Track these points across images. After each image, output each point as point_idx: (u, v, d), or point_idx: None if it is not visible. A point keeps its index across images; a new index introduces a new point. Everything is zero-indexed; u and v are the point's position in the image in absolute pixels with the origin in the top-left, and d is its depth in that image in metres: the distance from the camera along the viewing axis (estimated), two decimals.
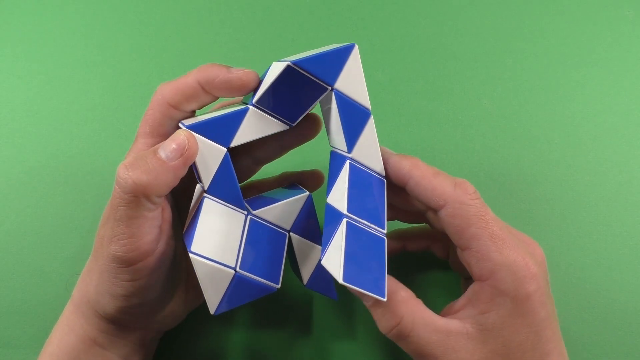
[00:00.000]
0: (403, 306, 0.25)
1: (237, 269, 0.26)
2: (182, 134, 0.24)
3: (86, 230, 0.35)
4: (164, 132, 0.26)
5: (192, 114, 0.27)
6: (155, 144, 0.25)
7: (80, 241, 0.35)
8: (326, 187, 0.28)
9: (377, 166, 0.28)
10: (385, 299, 0.24)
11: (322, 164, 0.34)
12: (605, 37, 0.39)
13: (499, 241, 0.24)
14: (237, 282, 0.26)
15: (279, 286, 0.27)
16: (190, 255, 0.24)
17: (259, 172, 0.32)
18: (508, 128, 0.38)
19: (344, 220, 0.25)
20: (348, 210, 0.25)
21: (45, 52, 0.39)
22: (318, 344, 0.34)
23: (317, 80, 0.25)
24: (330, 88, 0.26)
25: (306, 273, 0.30)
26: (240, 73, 0.25)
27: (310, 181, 0.31)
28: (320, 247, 0.29)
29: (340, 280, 0.23)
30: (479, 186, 0.27)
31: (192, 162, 0.25)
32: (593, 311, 0.34)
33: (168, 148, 0.24)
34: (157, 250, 0.25)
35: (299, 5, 0.41)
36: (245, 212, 0.27)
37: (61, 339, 0.27)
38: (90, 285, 0.26)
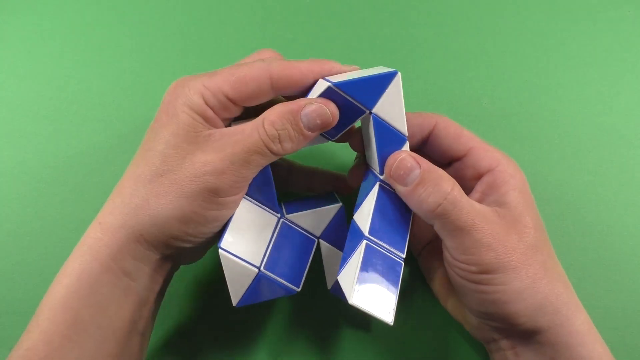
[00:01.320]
0: (449, 177, 0.27)
1: (262, 268, 0.27)
2: (328, 112, 0.25)
3: (86, 231, 0.35)
4: (244, 92, 0.26)
5: (226, 121, 0.27)
6: (226, 93, 0.25)
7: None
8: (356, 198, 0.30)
9: None
10: (391, 323, 0.25)
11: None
12: (605, 37, 0.39)
13: (484, 141, 0.29)
14: (260, 280, 0.27)
15: (299, 289, 0.28)
16: (220, 250, 0.26)
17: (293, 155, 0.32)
18: (508, 128, 0.38)
19: (364, 242, 0.26)
20: (369, 233, 0.27)
21: (45, 52, 0.39)
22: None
23: (356, 103, 0.26)
24: (368, 112, 0.27)
25: (331, 278, 0.31)
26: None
27: (336, 184, 0.33)
28: None
29: (350, 300, 0.25)
30: None
31: None
32: (593, 311, 0.34)
33: (312, 122, 0.25)
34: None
35: (299, 5, 0.41)
36: (279, 215, 0.29)
37: (81, 269, 0.25)
38: (152, 209, 0.25)
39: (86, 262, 0.25)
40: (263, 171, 0.27)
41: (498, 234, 0.26)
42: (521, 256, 0.26)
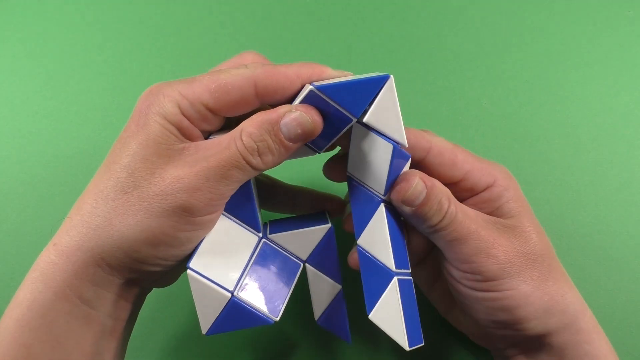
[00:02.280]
0: (445, 188, 0.26)
1: (235, 293, 0.24)
2: (310, 120, 0.23)
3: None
4: (226, 102, 0.23)
5: (206, 133, 0.25)
6: (206, 102, 0.23)
7: None
8: (351, 223, 0.27)
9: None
10: (407, 348, 0.25)
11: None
12: (605, 37, 0.39)
13: (477, 157, 0.28)
14: (232, 307, 0.24)
15: (277, 319, 0.25)
16: (188, 271, 0.23)
17: (277, 174, 0.31)
18: (508, 128, 0.38)
19: (395, 279, 0.25)
20: (396, 267, 0.25)
21: (45, 52, 0.39)
22: None
23: (342, 110, 0.23)
24: (355, 120, 0.24)
25: (319, 309, 0.28)
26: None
27: (325, 206, 0.31)
28: (334, 283, 0.28)
29: (407, 347, 0.24)
30: None
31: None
32: (593, 311, 0.34)
33: (293, 132, 0.23)
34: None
35: (299, 5, 0.41)
36: (260, 235, 0.26)
37: (33, 298, 0.22)
38: (116, 230, 0.22)
39: (38, 290, 0.22)
40: (243, 186, 0.24)
41: (497, 239, 0.26)
42: (525, 261, 0.26)
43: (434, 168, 0.27)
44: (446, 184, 0.27)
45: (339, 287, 0.28)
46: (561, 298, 0.26)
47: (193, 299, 0.24)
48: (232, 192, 0.24)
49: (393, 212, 0.26)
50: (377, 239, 0.25)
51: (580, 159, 0.37)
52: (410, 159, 0.25)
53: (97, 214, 0.23)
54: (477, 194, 0.28)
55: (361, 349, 0.34)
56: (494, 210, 0.27)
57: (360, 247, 0.26)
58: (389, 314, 0.25)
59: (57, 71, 0.39)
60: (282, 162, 0.24)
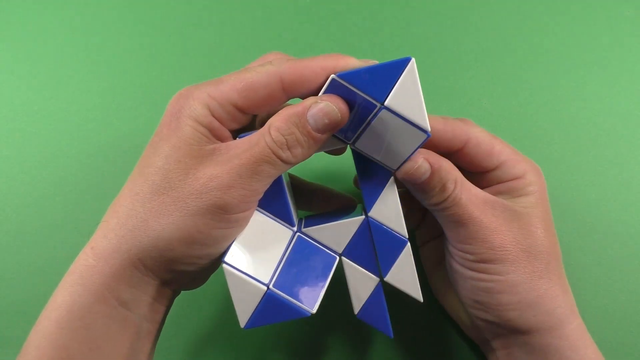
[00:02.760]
0: (454, 170, 0.26)
1: (271, 286, 0.24)
2: (336, 109, 0.23)
3: (86, 230, 0.35)
4: (254, 99, 0.24)
5: (235, 132, 0.25)
6: (234, 102, 0.24)
7: (80, 241, 0.35)
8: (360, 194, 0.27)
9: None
10: (421, 300, 0.27)
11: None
12: (605, 37, 0.39)
13: (515, 149, 0.29)
14: (268, 300, 0.24)
15: (314, 311, 0.25)
16: (224, 265, 0.24)
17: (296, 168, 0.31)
18: (508, 128, 0.38)
19: (408, 245, 0.27)
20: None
21: (45, 52, 0.39)
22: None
23: (366, 97, 0.23)
24: (379, 105, 0.24)
25: (357, 302, 0.28)
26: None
27: (339, 205, 0.31)
28: (372, 275, 0.28)
29: (421, 300, 0.27)
30: None
31: None
32: (593, 311, 0.34)
33: (320, 122, 0.23)
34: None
35: (299, 5, 0.41)
36: (294, 229, 0.27)
37: (72, 301, 0.22)
38: (152, 230, 0.23)
39: (77, 293, 0.23)
40: (275, 181, 0.25)
41: (496, 227, 0.26)
42: (521, 252, 0.26)
43: (471, 158, 0.28)
44: (481, 172, 0.28)
45: (377, 279, 0.28)
46: (550, 299, 0.26)
47: (230, 293, 0.24)
48: (265, 188, 0.24)
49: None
50: (389, 210, 0.27)
51: (580, 159, 0.37)
52: (429, 135, 0.25)
53: (133, 215, 0.23)
54: (503, 182, 0.28)
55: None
56: (510, 196, 0.28)
57: (373, 218, 0.27)
58: (405, 274, 0.27)
59: (57, 71, 0.39)
60: (312, 154, 0.24)
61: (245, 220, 0.25)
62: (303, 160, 0.24)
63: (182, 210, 0.23)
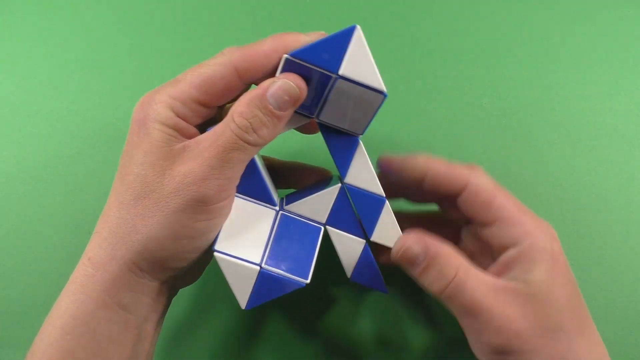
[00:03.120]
0: (456, 258, 0.26)
1: (263, 265, 0.26)
2: (293, 84, 0.24)
3: (86, 230, 0.35)
4: (214, 92, 0.25)
5: (202, 126, 0.26)
6: (195, 98, 0.25)
7: (80, 241, 0.35)
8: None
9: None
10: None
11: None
12: (605, 37, 0.39)
13: (522, 207, 0.27)
14: (263, 278, 0.26)
15: (307, 281, 0.26)
16: (215, 254, 0.25)
17: (270, 151, 0.32)
18: (508, 128, 0.38)
19: (387, 203, 0.28)
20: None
21: (45, 52, 0.39)
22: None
23: (320, 70, 0.24)
24: (334, 76, 0.25)
25: (349, 266, 0.29)
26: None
27: (320, 179, 0.32)
28: (357, 238, 0.29)
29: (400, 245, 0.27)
30: None
31: None
32: (593, 311, 0.34)
33: (280, 100, 0.24)
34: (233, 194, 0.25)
35: (299, 5, 0.41)
36: (277, 209, 0.28)
37: (75, 308, 0.24)
38: (141, 233, 0.24)
39: (80, 300, 0.24)
40: (250, 165, 0.26)
41: (509, 315, 0.24)
42: (540, 338, 0.24)
43: (467, 206, 0.27)
44: (480, 224, 0.27)
45: (363, 241, 0.29)
46: None
47: (226, 279, 0.25)
48: (239, 174, 0.25)
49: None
50: (363, 173, 0.28)
51: (580, 159, 0.37)
52: (385, 95, 0.25)
53: (122, 223, 0.24)
54: (505, 248, 0.26)
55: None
56: (519, 274, 0.25)
57: (349, 184, 0.28)
58: (388, 231, 0.28)
59: (57, 71, 0.39)
60: (278, 133, 0.25)
61: (226, 209, 0.25)
62: (270, 140, 0.25)
63: (164, 210, 0.23)
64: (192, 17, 0.40)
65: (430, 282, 0.26)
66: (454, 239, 0.31)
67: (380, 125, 0.37)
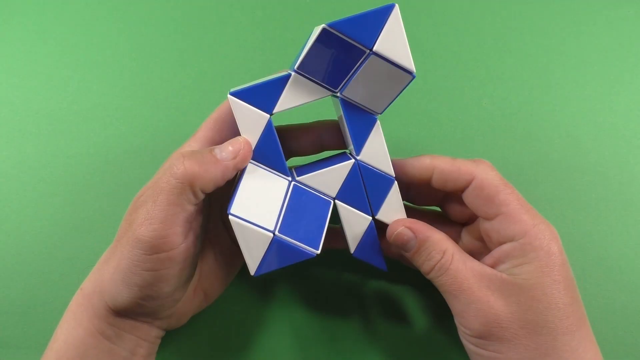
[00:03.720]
0: (444, 242, 0.27)
1: (276, 232, 0.26)
2: (241, 140, 0.26)
3: (86, 230, 0.36)
4: (227, 131, 0.28)
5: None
6: (214, 138, 0.28)
7: (80, 241, 0.35)
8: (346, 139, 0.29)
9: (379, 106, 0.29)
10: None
11: None
12: (605, 37, 0.39)
13: (526, 205, 0.27)
14: (276, 245, 0.26)
15: (318, 251, 0.26)
16: (230, 217, 0.25)
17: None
18: (508, 128, 0.38)
19: (395, 182, 0.29)
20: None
21: (45, 52, 0.39)
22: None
23: (355, 43, 0.25)
24: (368, 51, 0.25)
25: (353, 241, 0.30)
26: None
27: (326, 134, 0.31)
28: (364, 215, 0.29)
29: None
30: None
31: (242, 168, 0.27)
32: (593, 311, 0.34)
33: (224, 149, 0.26)
34: (182, 245, 0.26)
35: (299, 5, 0.41)
36: (289, 179, 0.28)
37: (68, 334, 0.26)
38: (106, 274, 0.26)
39: (71, 326, 0.26)
40: (268, 134, 0.27)
41: (490, 301, 0.25)
42: (521, 329, 0.25)
43: (471, 200, 0.28)
44: (483, 218, 0.27)
45: (369, 218, 0.29)
46: None
47: (238, 243, 0.25)
48: (177, 220, 0.25)
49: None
50: (377, 152, 0.28)
51: (580, 159, 0.37)
52: (414, 76, 0.26)
53: (102, 262, 0.27)
54: (503, 243, 0.27)
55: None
56: (510, 267, 0.26)
57: (362, 161, 0.28)
58: (393, 210, 0.29)
59: (57, 71, 0.39)
60: (220, 175, 0.26)
61: (176, 264, 0.25)
62: (214, 183, 0.26)
63: (119, 254, 0.25)
64: (192, 17, 0.40)
65: (421, 263, 0.27)
66: (455, 238, 0.31)
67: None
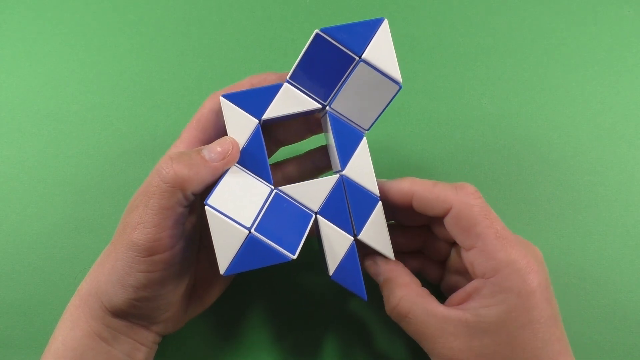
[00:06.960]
0: (403, 289, 0.27)
1: (252, 230, 0.24)
2: (228, 140, 0.26)
3: (86, 230, 0.36)
4: (211, 130, 0.28)
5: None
6: (199, 137, 0.28)
7: (80, 241, 0.35)
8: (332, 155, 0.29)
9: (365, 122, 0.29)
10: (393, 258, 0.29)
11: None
12: (605, 37, 0.39)
13: (503, 240, 0.25)
14: (250, 243, 0.24)
15: (294, 256, 0.24)
16: (206, 207, 0.24)
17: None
18: (508, 128, 0.38)
19: (380, 203, 0.28)
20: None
21: (45, 52, 0.39)
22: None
23: (345, 50, 0.26)
24: (357, 58, 0.27)
25: (332, 262, 0.28)
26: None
27: (317, 156, 0.32)
28: (346, 235, 0.28)
29: (393, 258, 0.29)
30: (479, 186, 0.27)
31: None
32: (593, 311, 0.34)
33: (212, 150, 0.26)
34: (176, 247, 0.26)
35: (299, 5, 0.41)
36: (272, 187, 0.28)
37: (66, 335, 0.26)
38: (102, 275, 0.26)
39: (69, 328, 0.26)
40: (255, 139, 0.27)
41: (453, 347, 0.25)
42: None
43: (450, 228, 0.27)
44: (463, 247, 0.27)
45: (351, 238, 0.28)
46: None
47: (211, 237, 0.24)
48: (170, 222, 0.25)
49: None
50: (362, 169, 0.28)
51: (580, 159, 0.37)
52: (400, 87, 0.27)
53: (97, 264, 0.27)
54: (477, 277, 0.26)
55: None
56: (477, 306, 0.25)
57: (347, 177, 0.28)
58: (377, 232, 0.28)
59: (57, 71, 0.39)
60: (209, 176, 0.26)
61: (168, 267, 0.26)
62: (204, 184, 0.26)
63: (114, 256, 0.25)
64: (192, 17, 0.40)
65: (385, 299, 0.28)
66: (444, 254, 0.31)
67: (380, 125, 0.37)
